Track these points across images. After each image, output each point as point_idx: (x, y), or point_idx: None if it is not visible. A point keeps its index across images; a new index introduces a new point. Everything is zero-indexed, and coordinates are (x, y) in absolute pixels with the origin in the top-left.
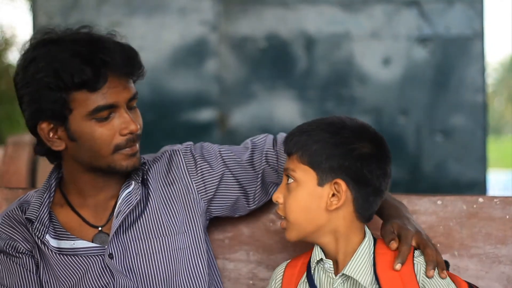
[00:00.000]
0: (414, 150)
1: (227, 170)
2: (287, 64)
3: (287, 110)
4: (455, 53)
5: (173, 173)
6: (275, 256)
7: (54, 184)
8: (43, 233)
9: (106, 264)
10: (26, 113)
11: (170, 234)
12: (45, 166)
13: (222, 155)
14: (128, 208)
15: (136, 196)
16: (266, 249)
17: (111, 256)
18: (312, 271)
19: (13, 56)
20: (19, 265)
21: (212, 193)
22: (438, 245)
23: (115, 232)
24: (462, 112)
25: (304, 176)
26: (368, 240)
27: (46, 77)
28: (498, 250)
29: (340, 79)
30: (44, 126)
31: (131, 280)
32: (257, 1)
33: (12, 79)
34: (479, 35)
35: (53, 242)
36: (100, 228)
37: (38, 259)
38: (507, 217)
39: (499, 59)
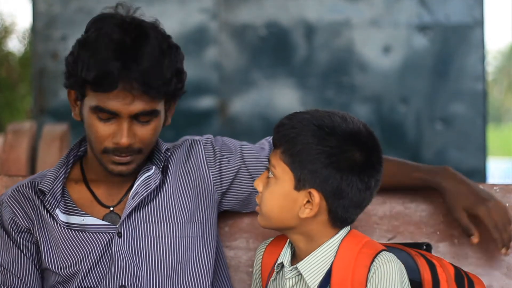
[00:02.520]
0: (414, 138)
1: (244, 166)
2: (287, 52)
3: (287, 98)
4: (455, 41)
5: (191, 162)
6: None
7: (72, 160)
8: (53, 206)
9: (111, 242)
10: (64, 72)
11: (181, 221)
12: (44, 154)
13: (243, 150)
14: (146, 191)
15: (155, 180)
16: (266, 237)
17: (120, 235)
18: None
19: (13, 44)
20: (18, 247)
21: (227, 186)
22: (438, 232)
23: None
24: (462, 100)
25: (283, 175)
26: (335, 240)
27: (72, 56)
28: None
29: (340, 67)
30: (72, 93)
31: (133, 261)
32: None
33: (11, 66)
34: (479, 23)
35: (62, 217)
36: (111, 208)
37: (38, 236)
38: (507, 205)
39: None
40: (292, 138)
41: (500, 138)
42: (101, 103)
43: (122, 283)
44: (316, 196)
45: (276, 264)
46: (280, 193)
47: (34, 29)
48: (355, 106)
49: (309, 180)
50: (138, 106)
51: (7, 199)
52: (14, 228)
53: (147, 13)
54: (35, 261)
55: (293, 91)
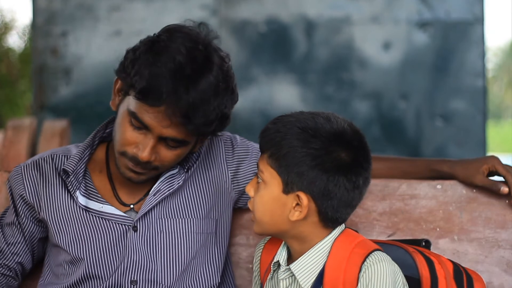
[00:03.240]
0: (414, 134)
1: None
2: (287, 48)
3: (287, 94)
4: (455, 38)
5: (211, 158)
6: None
7: (97, 142)
8: (75, 188)
9: (126, 235)
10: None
11: (198, 217)
12: (44, 150)
13: (258, 151)
14: (169, 190)
15: (178, 180)
16: None
17: (135, 229)
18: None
19: (13, 40)
20: (17, 215)
21: (243, 186)
22: (438, 229)
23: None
24: (462, 97)
25: (271, 179)
26: (328, 240)
27: (134, 60)
28: (497, 234)
29: (340, 64)
30: (118, 82)
31: (147, 256)
32: None
33: (11, 62)
34: (479, 19)
35: (81, 200)
36: (132, 206)
37: (45, 214)
38: (507, 201)
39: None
40: (277, 142)
41: (500, 134)
42: (139, 113)
43: (134, 277)
44: (304, 198)
45: (273, 262)
46: (270, 198)
47: (34, 25)
48: (355, 102)
49: (296, 183)
50: (171, 132)
51: (23, 168)
52: (19, 200)
53: (147, 10)
54: (27, 235)
55: (293, 87)
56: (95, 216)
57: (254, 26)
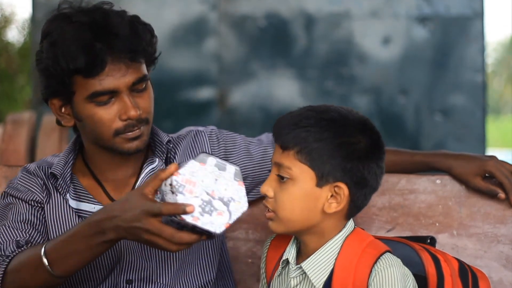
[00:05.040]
0: (413, 130)
1: (249, 159)
2: (287, 43)
3: (287, 89)
4: (455, 33)
5: (196, 151)
6: (273, 235)
7: (77, 148)
8: (65, 191)
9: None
10: (40, 87)
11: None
12: (44, 144)
13: (247, 143)
14: None
15: None
16: (265, 227)
17: None
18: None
19: (12, 34)
20: (33, 209)
21: None
22: (437, 224)
23: None
24: (462, 92)
25: (301, 175)
26: (339, 238)
27: (47, 59)
28: (497, 229)
29: (339, 59)
30: (55, 102)
31: (142, 255)
32: None
33: (10, 57)
34: (479, 14)
35: (72, 203)
36: None
37: (47, 215)
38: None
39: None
40: (305, 137)
41: (499, 129)
42: (98, 87)
43: (129, 277)
44: (344, 188)
45: (282, 260)
46: (301, 193)
47: (33, 20)
48: (355, 97)
49: (332, 174)
50: (132, 75)
51: (21, 179)
52: (30, 200)
53: (147, 5)
54: (41, 229)
55: (292, 82)
56: None
57: (253, 21)
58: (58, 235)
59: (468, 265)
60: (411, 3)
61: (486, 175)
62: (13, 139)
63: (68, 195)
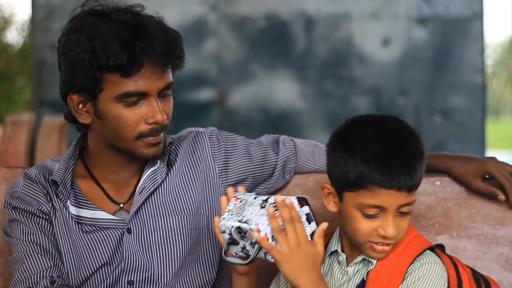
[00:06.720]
0: None
1: (249, 160)
2: (287, 44)
3: (286, 90)
4: (454, 34)
5: (197, 153)
6: None
7: (78, 153)
8: (65, 198)
9: (121, 239)
10: (60, 80)
11: (187, 213)
12: (43, 146)
13: (247, 145)
14: (153, 186)
15: (161, 174)
16: None
17: (129, 231)
18: (325, 259)
19: (12, 35)
20: (41, 225)
21: (234, 181)
22: (437, 225)
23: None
24: (461, 93)
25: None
26: None
27: (83, 52)
28: (496, 231)
29: (339, 60)
30: (74, 98)
31: (143, 256)
32: None
33: (10, 58)
34: (479, 15)
35: (72, 210)
36: (121, 205)
37: (54, 224)
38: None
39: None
40: (412, 171)
41: (499, 131)
42: (131, 88)
43: (130, 278)
44: None
45: (330, 251)
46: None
47: (33, 21)
48: (354, 98)
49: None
50: (164, 80)
51: (24, 186)
52: (38, 212)
53: (147, 5)
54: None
55: (292, 83)
56: (88, 226)
57: (253, 22)
58: (62, 245)
59: (479, 273)
60: (410, 4)
61: (486, 176)
62: (12, 140)
63: (68, 201)
